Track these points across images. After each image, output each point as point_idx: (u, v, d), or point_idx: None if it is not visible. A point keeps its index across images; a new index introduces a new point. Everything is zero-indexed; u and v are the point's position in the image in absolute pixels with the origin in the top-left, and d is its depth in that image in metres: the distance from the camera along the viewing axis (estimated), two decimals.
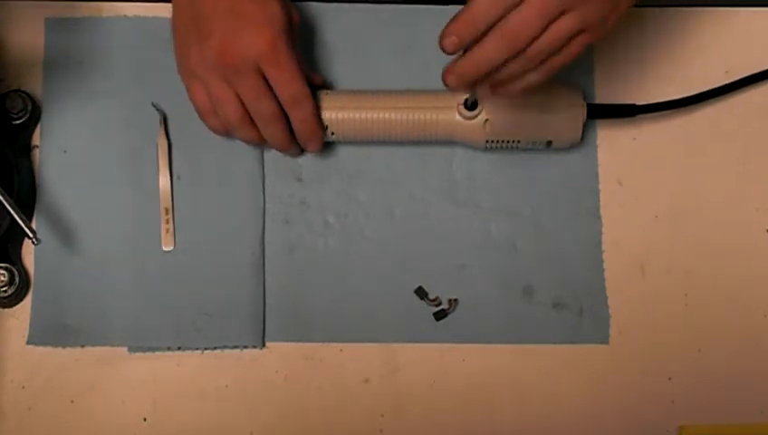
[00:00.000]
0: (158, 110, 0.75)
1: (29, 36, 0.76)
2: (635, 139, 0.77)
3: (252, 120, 0.69)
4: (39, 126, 0.75)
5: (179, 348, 0.73)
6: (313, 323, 0.73)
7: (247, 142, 0.71)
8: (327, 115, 0.71)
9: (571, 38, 0.57)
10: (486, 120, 0.71)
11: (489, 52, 0.57)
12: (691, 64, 0.78)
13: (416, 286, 0.74)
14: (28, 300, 0.73)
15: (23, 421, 0.71)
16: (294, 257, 0.74)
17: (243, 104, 0.67)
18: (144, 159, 0.74)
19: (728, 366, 0.73)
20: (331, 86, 0.76)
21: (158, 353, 0.73)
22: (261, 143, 0.71)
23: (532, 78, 0.60)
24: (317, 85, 0.72)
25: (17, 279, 0.71)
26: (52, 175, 0.74)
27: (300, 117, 0.69)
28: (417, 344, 0.73)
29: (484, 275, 0.74)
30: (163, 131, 0.75)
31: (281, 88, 0.67)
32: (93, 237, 0.73)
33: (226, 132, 0.71)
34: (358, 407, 0.72)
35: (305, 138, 0.71)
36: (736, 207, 0.76)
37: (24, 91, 0.74)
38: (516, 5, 0.55)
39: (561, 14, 0.55)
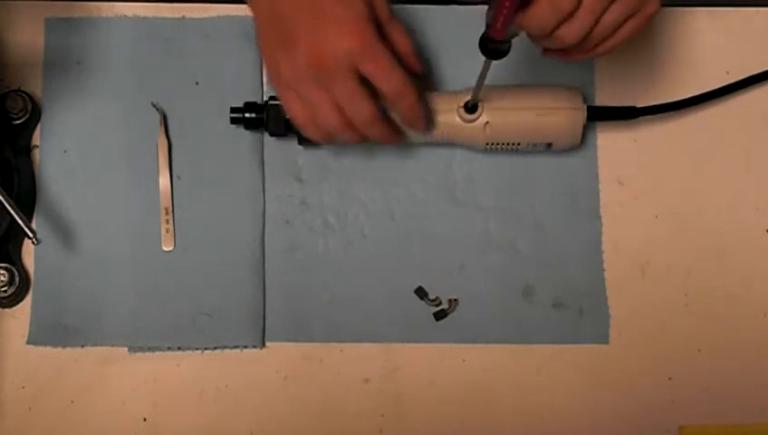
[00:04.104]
0: (157, 110, 0.75)
1: (29, 36, 0.76)
2: (635, 139, 0.77)
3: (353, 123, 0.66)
4: (39, 126, 0.75)
5: (179, 348, 0.73)
6: (313, 323, 0.73)
7: (351, 143, 0.69)
8: None
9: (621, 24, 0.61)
10: (486, 122, 0.71)
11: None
12: (691, 65, 0.78)
13: (416, 286, 0.74)
14: (28, 300, 0.73)
15: (23, 421, 0.71)
16: (294, 257, 0.74)
17: (341, 109, 0.65)
18: (144, 159, 0.74)
19: (728, 366, 0.73)
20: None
21: (158, 353, 0.73)
22: (364, 141, 0.69)
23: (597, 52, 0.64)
24: (419, 73, 0.70)
25: (17, 279, 0.72)
26: (52, 175, 0.74)
27: (405, 106, 0.66)
28: (417, 344, 0.73)
29: (484, 275, 0.74)
30: (163, 131, 0.75)
31: (381, 82, 0.64)
32: (93, 237, 0.74)
33: (328, 141, 0.68)
34: (358, 407, 0.72)
35: (411, 122, 0.69)
36: (736, 207, 0.76)
37: (23, 91, 0.74)
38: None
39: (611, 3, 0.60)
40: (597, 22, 0.60)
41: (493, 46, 0.62)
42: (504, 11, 0.58)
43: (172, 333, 0.72)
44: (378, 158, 0.76)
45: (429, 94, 0.72)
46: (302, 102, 0.65)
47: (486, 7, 0.60)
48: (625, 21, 0.61)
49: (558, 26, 0.59)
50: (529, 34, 0.61)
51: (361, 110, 0.65)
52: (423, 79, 0.73)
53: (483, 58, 0.63)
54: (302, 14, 0.63)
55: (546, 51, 0.64)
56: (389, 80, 0.64)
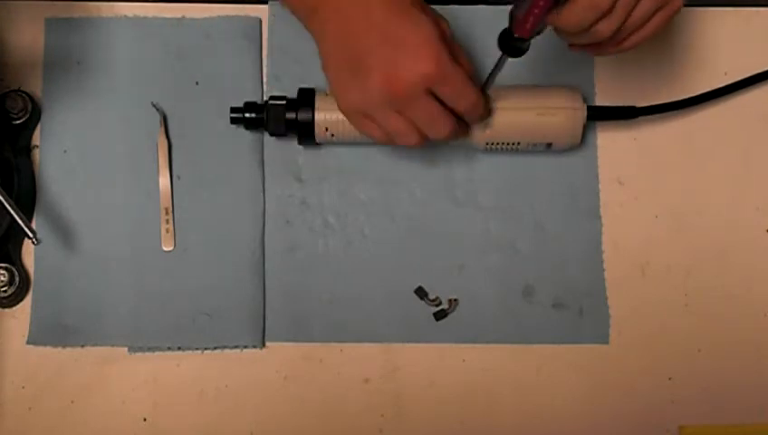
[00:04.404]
0: (157, 110, 0.75)
1: (29, 36, 0.76)
2: (635, 139, 0.77)
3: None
4: (39, 126, 0.75)
5: (179, 348, 0.73)
6: (313, 323, 0.73)
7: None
8: (327, 117, 0.71)
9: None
10: (486, 123, 0.71)
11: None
12: (691, 65, 0.78)
13: (416, 286, 0.74)
14: (28, 300, 0.73)
15: (23, 421, 0.71)
16: (294, 257, 0.74)
17: (420, 129, 0.65)
18: (144, 159, 0.74)
19: (728, 366, 0.73)
20: None
21: (158, 353, 0.73)
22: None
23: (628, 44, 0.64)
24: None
25: (17, 279, 0.72)
26: (52, 175, 0.74)
27: (475, 116, 0.67)
28: (417, 344, 0.73)
29: (484, 275, 0.74)
30: (163, 131, 0.75)
31: (456, 102, 0.64)
32: (93, 237, 0.73)
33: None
34: (358, 407, 0.72)
35: (476, 122, 0.70)
36: (736, 207, 0.76)
37: (23, 91, 0.74)
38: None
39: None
40: (629, 16, 0.61)
41: (515, 44, 0.61)
42: (537, 10, 0.57)
43: (172, 333, 0.72)
44: (378, 158, 0.76)
45: None
46: (377, 127, 0.65)
47: (510, 6, 0.60)
48: (653, 15, 0.62)
49: (595, 23, 0.60)
50: (556, 30, 0.61)
51: (441, 128, 0.65)
52: None
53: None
54: (372, 41, 0.62)
55: (573, 46, 0.64)
56: (466, 98, 0.64)
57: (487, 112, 0.70)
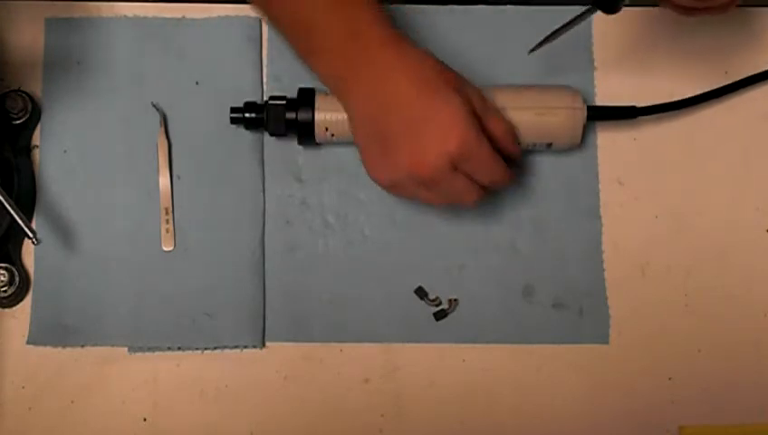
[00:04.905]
0: (157, 110, 0.75)
1: (29, 36, 0.76)
2: (635, 139, 0.77)
3: None
4: (39, 126, 0.75)
5: (179, 348, 0.73)
6: (313, 323, 0.73)
7: None
8: (327, 117, 0.71)
9: None
10: None
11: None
12: (691, 65, 0.78)
13: (416, 286, 0.74)
14: (28, 300, 0.73)
15: (23, 421, 0.71)
16: (294, 257, 0.74)
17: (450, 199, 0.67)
18: (144, 159, 0.74)
19: (728, 366, 0.73)
20: None
21: (158, 353, 0.73)
22: None
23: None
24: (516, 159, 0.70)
25: (17, 279, 0.72)
26: (52, 175, 0.74)
27: (500, 186, 0.68)
28: (417, 344, 0.73)
29: (484, 275, 0.74)
30: (163, 131, 0.75)
31: (481, 176, 0.65)
32: (93, 237, 0.73)
33: None
34: (358, 407, 0.72)
35: (500, 189, 0.70)
36: (736, 207, 0.76)
37: (23, 91, 0.74)
38: None
39: None
40: None
41: None
42: None
43: (172, 333, 0.72)
44: None
45: None
46: (406, 191, 0.66)
47: None
48: None
49: None
50: None
51: (467, 199, 0.66)
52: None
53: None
54: (399, 120, 0.63)
55: (677, 7, 0.64)
56: (490, 173, 0.65)
57: (514, 178, 0.69)
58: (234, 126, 0.74)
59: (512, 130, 0.68)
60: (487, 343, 0.73)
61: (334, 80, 0.66)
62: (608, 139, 0.76)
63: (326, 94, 0.72)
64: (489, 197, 0.69)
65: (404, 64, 0.63)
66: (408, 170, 0.64)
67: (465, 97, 0.64)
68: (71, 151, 0.75)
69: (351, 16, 0.64)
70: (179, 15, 0.77)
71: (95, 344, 0.72)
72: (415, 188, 0.65)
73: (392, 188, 0.66)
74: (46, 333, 0.72)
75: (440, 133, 0.62)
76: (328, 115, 0.71)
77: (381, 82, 0.63)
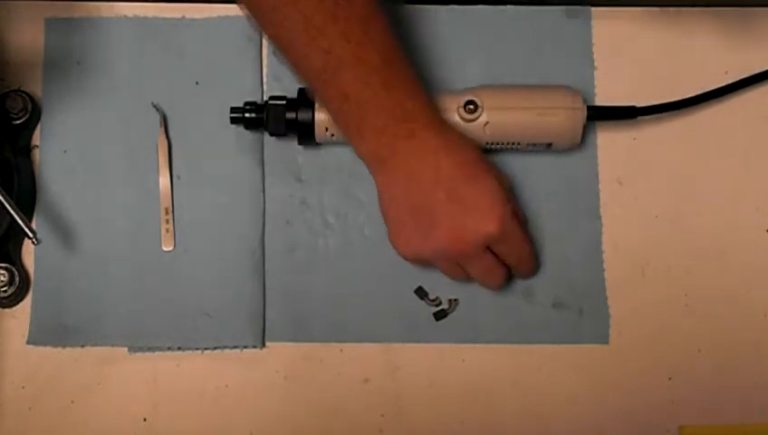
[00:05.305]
0: (158, 110, 0.75)
1: (29, 36, 0.76)
2: (635, 139, 0.77)
3: None
4: (39, 126, 0.75)
5: (179, 348, 0.73)
6: (313, 323, 0.73)
7: None
8: (327, 117, 0.71)
9: None
10: (486, 122, 0.71)
11: None
12: (691, 65, 0.78)
13: (416, 286, 0.74)
14: (28, 300, 0.73)
15: (23, 421, 0.71)
16: (294, 257, 0.74)
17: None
18: (144, 159, 0.74)
19: (728, 366, 0.73)
20: None
21: (158, 353, 0.73)
22: None
23: None
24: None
25: (17, 279, 0.72)
26: (52, 175, 0.74)
27: (525, 271, 0.72)
28: (417, 344, 0.73)
29: None
30: (163, 131, 0.75)
31: (510, 258, 0.69)
32: (93, 237, 0.74)
33: None
34: (358, 407, 0.72)
35: (522, 275, 0.73)
36: (736, 207, 0.76)
37: (23, 91, 0.74)
38: None
39: None
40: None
41: None
42: None
43: (172, 333, 0.72)
44: None
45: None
46: (432, 265, 0.70)
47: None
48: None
49: None
50: None
51: (493, 280, 0.70)
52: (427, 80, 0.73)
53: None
54: (439, 197, 0.65)
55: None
56: (519, 256, 0.69)
57: (536, 265, 0.73)
58: (234, 126, 0.74)
59: (526, 220, 0.73)
60: (487, 343, 0.73)
61: (375, 160, 0.67)
62: (608, 139, 0.76)
63: None
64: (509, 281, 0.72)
65: (446, 145, 0.66)
66: (445, 245, 0.66)
67: (503, 183, 0.67)
68: (71, 151, 0.75)
69: (404, 98, 0.65)
70: (179, 15, 0.77)
71: (95, 344, 0.72)
72: (445, 264, 0.69)
73: (419, 258, 0.69)
74: (46, 333, 0.72)
75: (482, 215, 0.65)
76: (328, 115, 0.71)
77: (423, 160, 0.65)
